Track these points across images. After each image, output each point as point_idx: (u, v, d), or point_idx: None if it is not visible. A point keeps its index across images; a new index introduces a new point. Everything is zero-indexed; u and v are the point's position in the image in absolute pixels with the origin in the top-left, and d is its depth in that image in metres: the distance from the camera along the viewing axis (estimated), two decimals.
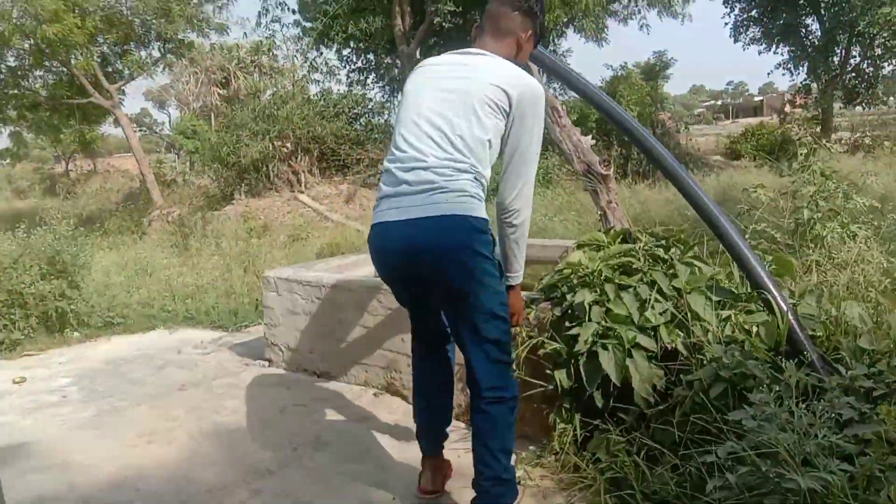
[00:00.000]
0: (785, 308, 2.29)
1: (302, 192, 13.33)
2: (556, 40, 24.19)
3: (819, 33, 20.48)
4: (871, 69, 19.61)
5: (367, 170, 16.53)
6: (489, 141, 1.99)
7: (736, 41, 22.42)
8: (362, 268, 3.90)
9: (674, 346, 2.40)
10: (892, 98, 20.98)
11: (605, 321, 2.46)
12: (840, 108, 21.23)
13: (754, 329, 2.34)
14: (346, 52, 17.70)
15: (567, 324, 2.56)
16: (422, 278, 2.07)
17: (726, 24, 22.21)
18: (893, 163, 13.45)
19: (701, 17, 19.74)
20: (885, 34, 17.96)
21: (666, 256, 2.63)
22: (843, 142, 18.48)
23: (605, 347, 2.40)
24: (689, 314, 2.45)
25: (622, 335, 2.40)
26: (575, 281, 2.59)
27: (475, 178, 1.99)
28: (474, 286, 1.98)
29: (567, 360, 2.51)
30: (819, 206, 2.92)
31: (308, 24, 16.25)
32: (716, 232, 2.50)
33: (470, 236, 1.95)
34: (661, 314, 2.47)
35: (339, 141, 14.51)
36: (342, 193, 13.81)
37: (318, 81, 15.98)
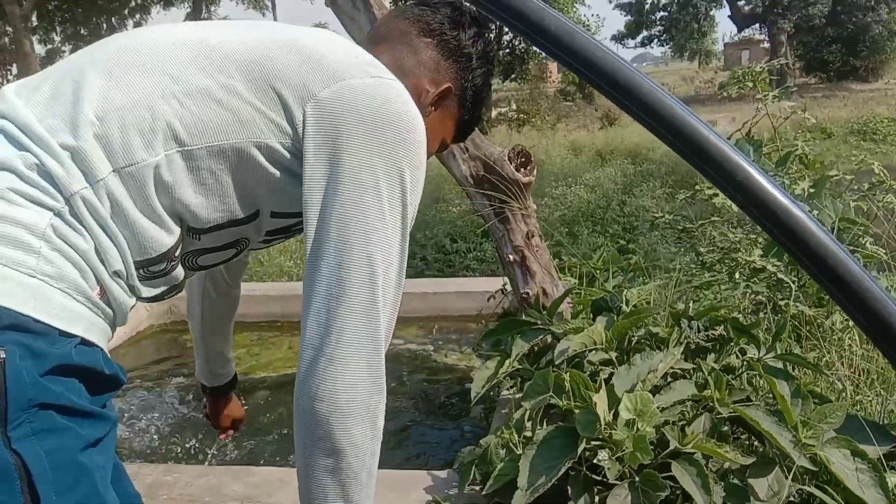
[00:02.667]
0: None
1: None
2: (209, 6, 21.61)
3: None
4: (523, 46, 21.08)
5: None
6: None
7: None
8: None
9: None
10: (549, 73, 23.01)
11: None
12: (498, 83, 22.57)
13: None
14: None
15: None
16: None
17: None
18: (569, 136, 14.26)
19: None
20: None
21: (737, 363, 1.21)
22: (504, 116, 19.61)
23: None
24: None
25: None
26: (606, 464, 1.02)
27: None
28: None
29: None
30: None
31: None
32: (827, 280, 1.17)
33: None
34: None
35: None
36: None
37: None
